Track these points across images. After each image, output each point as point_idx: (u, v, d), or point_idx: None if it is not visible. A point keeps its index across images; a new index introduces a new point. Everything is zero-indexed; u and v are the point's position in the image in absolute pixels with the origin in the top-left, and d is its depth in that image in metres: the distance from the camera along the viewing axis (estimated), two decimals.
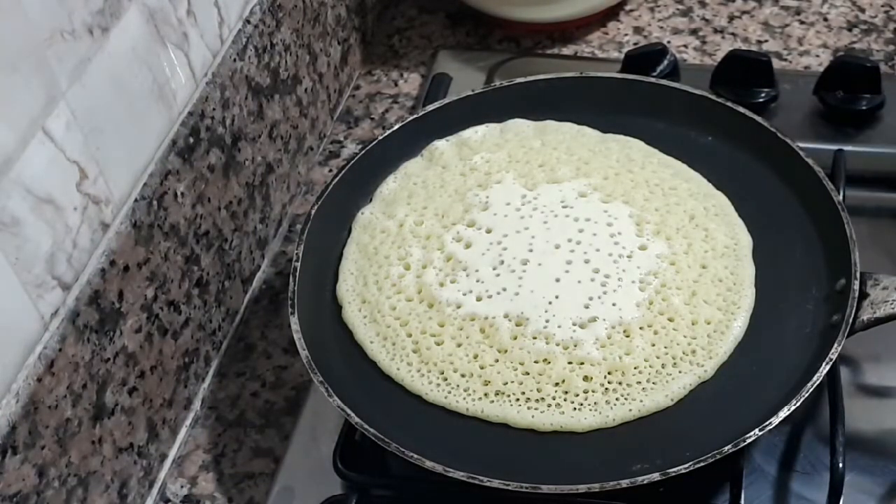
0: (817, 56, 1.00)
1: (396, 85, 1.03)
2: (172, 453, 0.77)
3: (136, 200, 0.70)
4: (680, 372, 0.70)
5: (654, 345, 0.71)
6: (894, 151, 0.89)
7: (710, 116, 0.83)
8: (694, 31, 1.04)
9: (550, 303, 0.73)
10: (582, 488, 0.63)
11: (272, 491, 0.73)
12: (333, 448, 0.71)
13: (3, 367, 0.59)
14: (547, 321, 0.72)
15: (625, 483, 0.63)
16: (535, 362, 0.71)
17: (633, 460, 0.65)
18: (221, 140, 0.79)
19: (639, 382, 0.70)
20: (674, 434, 0.68)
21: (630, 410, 0.69)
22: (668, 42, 1.02)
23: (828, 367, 0.66)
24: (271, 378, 0.81)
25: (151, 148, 0.72)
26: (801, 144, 0.79)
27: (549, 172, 0.82)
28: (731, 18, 1.05)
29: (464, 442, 0.69)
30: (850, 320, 0.68)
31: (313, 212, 0.78)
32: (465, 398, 0.70)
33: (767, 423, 0.64)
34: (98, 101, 0.65)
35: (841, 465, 0.66)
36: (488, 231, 0.78)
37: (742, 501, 0.67)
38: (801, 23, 1.04)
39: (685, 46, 1.02)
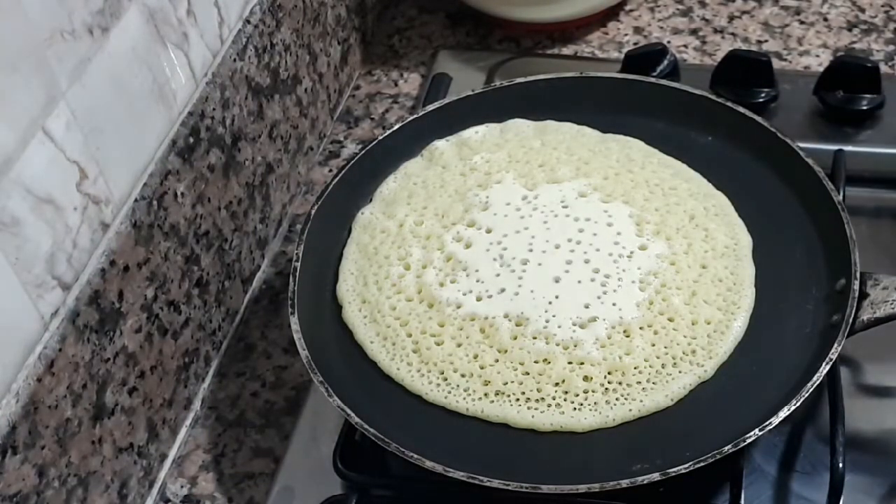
0: (817, 56, 1.00)
1: (396, 85, 1.03)
2: (172, 453, 0.77)
3: (136, 200, 0.70)
4: (680, 372, 0.70)
5: (654, 345, 0.71)
6: (894, 151, 0.89)
7: (710, 116, 0.83)
8: (694, 31, 1.04)
9: (550, 303, 0.73)
10: (582, 488, 0.63)
11: (272, 491, 0.73)
12: (333, 448, 0.71)
13: (3, 367, 0.59)
14: (547, 321, 0.72)
15: (625, 483, 0.63)
16: (535, 362, 0.71)
17: (633, 460, 0.65)
18: (221, 140, 0.79)
19: (639, 382, 0.70)
20: (674, 434, 0.68)
21: (630, 410, 0.69)
22: (668, 42, 1.02)
23: (828, 367, 0.66)
24: (271, 378, 0.81)
25: (151, 148, 0.72)
26: (801, 144, 0.79)
27: (549, 172, 0.82)
28: (731, 18, 1.05)
29: (464, 442, 0.69)
30: (850, 320, 0.68)
31: (313, 212, 0.78)
32: (465, 398, 0.70)
33: (767, 423, 0.64)
34: (98, 101, 0.65)
35: (841, 465, 0.66)
36: (488, 231, 0.78)
37: (742, 501, 0.67)
38: (801, 23, 1.04)
39: (685, 46, 1.02)
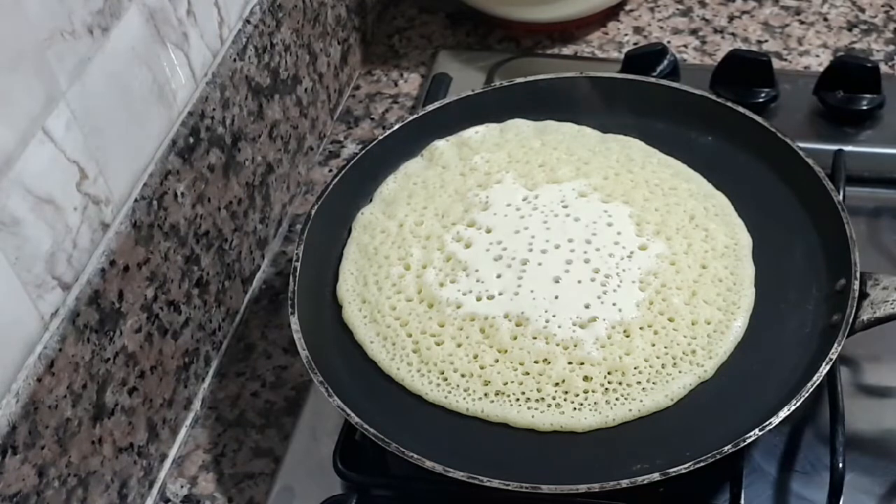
0: (817, 56, 1.00)
1: (396, 85, 1.03)
2: (172, 453, 0.77)
3: (136, 200, 0.70)
4: (680, 372, 0.70)
5: (654, 345, 0.71)
6: (894, 151, 0.89)
7: (710, 116, 0.83)
8: (694, 31, 1.04)
9: (550, 303, 0.73)
10: (582, 488, 0.63)
11: (272, 491, 0.73)
12: (333, 448, 0.71)
13: (3, 367, 0.59)
14: (547, 321, 0.72)
15: (625, 483, 0.63)
16: (535, 362, 0.71)
17: (633, 460, 0.65)
18: (221, 140, 0.79)
19: (639, 382, 0.70)
20: (674, 434, 0.68)
21: (630, 410, 0.69)
22: (668, 42, 1.02)
23: (828, 367, 0.66)
24: (271, 378, 0.81)
25: (151, 148, 0.72)
26: (801, 144, 0.79)
27: (549, 172, 0.82)
28: (731, 18, 1.05)
29: (464, 442, 0.69)
30: (850, 320, 0.68)
31: (313, 212, 0.78)
32: (465, 398, 0.70)
33: (767, 423, 0.64)
34: (98, 101, 0.65)
35: (841, 465, 0.66)
36: (488, 231, 0.78)
37: (742, 501, 0.67)
38: (801, 23, 1.04)
39: (685, 46, 1.02)
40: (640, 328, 0.72)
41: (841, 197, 0.77)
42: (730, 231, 0.77)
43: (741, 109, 0.82)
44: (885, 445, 0.72)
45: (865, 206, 0.84)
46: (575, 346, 0.71)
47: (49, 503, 0.62)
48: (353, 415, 0.67)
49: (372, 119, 1.00)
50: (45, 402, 0.61)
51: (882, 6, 1.04)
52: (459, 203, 0.80)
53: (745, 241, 0.77)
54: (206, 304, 0.79)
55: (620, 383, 0.70)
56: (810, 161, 0.78)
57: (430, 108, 0.86)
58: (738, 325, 0.72)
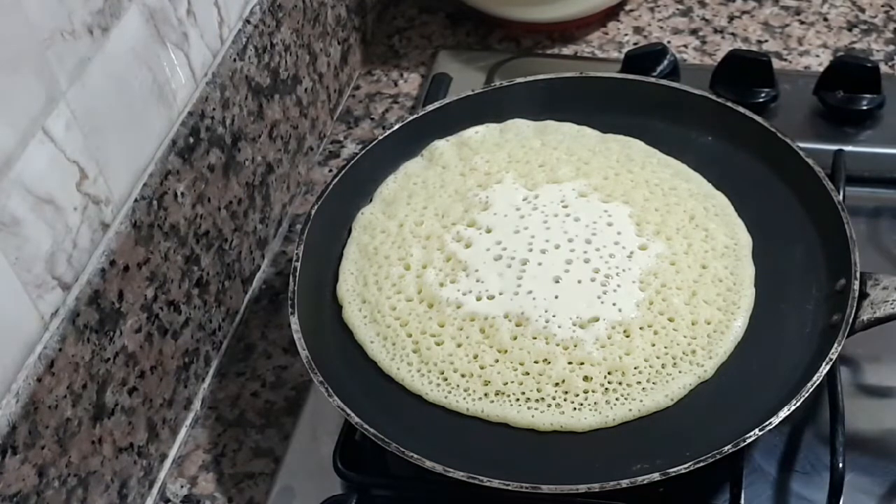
0: (817, 56, 1.00)
1: (396, 85, 1.03)
2: (172, 453, 0.77)
3: (136, 200, 0.70)
4: (680, 372, 0.70)
5: (654, 345, 0.71)
6: (894, 151, 0.89)
7: (710, 116, 0.83)
8: (694, 31, 1.04)
9: (550, 303, 0.73)
10: (582, 488, 0.63)
11: (272, 491, 0.73)
12: (333, 448, 0.71)
13: (3, 367, 0.59)
14: (547, 321, 0.72)
15: (625, 483, 0.63)
16: (535, 362, 0.71)
17: (633, 460, 0.65)
18: (221, 140, 0.79)
19: (639, 382, 0.70)
20: (674, 434, 0.68)
21: (630, 410, 0.69)
22: (668, 42, 1.02)
23: (828, 367, 0.66)
24: (271, 378, 0.81)
25: (151, 148, 0.72)
26: (801, 144, 0.79)
27: (549, 172, 0.82)
28: (731, 18, 1.05)
29: (464, 442, 0.69)
30: (850, 320, 0.68)
31: (313, 212, 0.78)
32: (465, 398, 0.70)
33: (767, 423, 0.64)
34: (98, 101, 0.65)
35: (841, 465, 0.66)
36: (488, 231, 0.78)
37: (742, 501, 0.67)
38: (801, 23, 1.04)
39: (685, 46, 1.02)
40: (640, 328, 0.72)
41: (841, 197, 0.77)
42: (730, 231, 0.77)
43: (741, 109, 0.82)
44: (885, 445, 0.72)
45: (865, 206, 0.84)
46: (575, 346, 0.71)
47: (49, 503, 0.62)
48: (353, 415, 0.67)
49: (372, 119, 1.00)
50: (45, 402, 0.61)
51: (882, 6, 1.04)
52: (459, 203, 0.80)
53: (745, 241, 0.77)
54: (206, 304, 0.79)
55: (620, 383, 0.70)
56: (810, 161, 0.78)
57: (430, 108, 0.86)
58: (738, 325, 0.72)
